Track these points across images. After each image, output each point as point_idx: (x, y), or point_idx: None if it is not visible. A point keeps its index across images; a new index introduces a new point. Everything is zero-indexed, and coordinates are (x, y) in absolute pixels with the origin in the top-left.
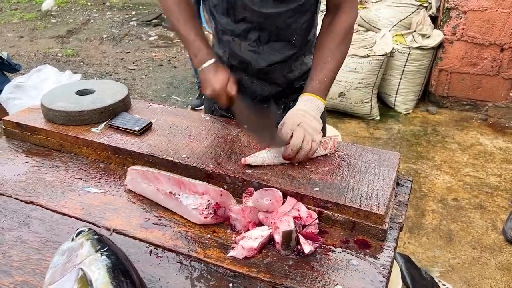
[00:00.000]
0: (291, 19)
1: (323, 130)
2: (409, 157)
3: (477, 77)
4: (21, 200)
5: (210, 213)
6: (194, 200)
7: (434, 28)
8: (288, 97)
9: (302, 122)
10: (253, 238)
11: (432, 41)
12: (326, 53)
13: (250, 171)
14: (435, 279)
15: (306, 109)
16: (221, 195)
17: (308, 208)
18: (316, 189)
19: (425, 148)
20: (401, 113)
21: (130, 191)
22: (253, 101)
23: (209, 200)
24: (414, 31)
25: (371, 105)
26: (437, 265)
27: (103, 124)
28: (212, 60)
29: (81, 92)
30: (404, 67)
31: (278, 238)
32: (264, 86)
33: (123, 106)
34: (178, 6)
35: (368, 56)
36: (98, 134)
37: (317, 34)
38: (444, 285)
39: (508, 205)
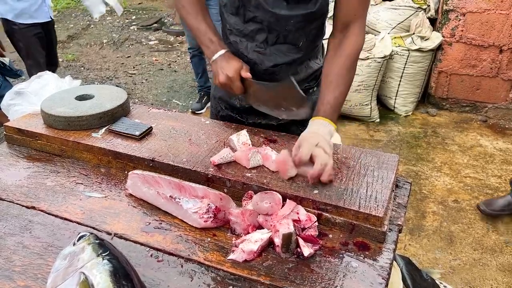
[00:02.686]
0: (300, 23)
1: None
2: (409, 159)
3: (477, 78)
4: (23, 205)
5: (210, 217)
6: (194, 204)
7: (433, 30)
8: None
9: (319, 143)
10: (253, 241)
11: (431, 43)
12: (337, 77)
13: (249, 174)
14: (436, 280)
15: (320, 133)
16: (221, 198)
17: (308, 211)
18: (315, 192)
19: (425, 150)
20: (401, 115)
21: (130, 195)
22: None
23: (209, 204)
24: (413, 33)
25: (371, 108)
26: (438, 266)
27: (104, 129)
28: (224, 51)
29: (81, 98)
30: (404, 69)
31: (278, 241)
32: None
33: (122, 111)
34: (189, 2)
35: (368, 58)
36: (99, 139)
37: (325, 54)
38: (445, 286)
39: None
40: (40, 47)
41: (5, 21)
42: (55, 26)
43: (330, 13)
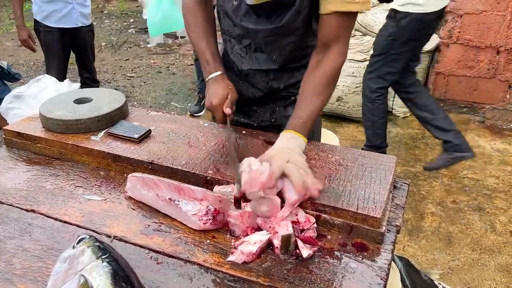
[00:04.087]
0: (269, 38)
1: (317, 138)
2: (408, 160)
3: (474, 79)
4: (22, 209)
5: (209, 219)
6: (193, 206)
7: None
8: (276, 102)
9: (291, 158)
10: (252, 243)
11: (429, 45)
12: (312, 93)
13: None
14: (434, 281)
15: (290, 146)
16: (220, 201)
17: (306, 212)
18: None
19: (423, 151)
20: (399, 116)
21: (130, 198)
22: (240, 101)
23: (208, 206)
24: None
25: None
26: (437, 267)
27: (103, 132)
28: (217, 73)
29: (79, 101)
30: None
31: (277, 242)
32: (248, 88)
33: (120, 114)
34: (195, 19)
35: (365, 60)
36: (98, 142)
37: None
38: (444, 287)
39: (506, 207)
40: (61, 51)
41: (35, 20)
42: None
43: None
